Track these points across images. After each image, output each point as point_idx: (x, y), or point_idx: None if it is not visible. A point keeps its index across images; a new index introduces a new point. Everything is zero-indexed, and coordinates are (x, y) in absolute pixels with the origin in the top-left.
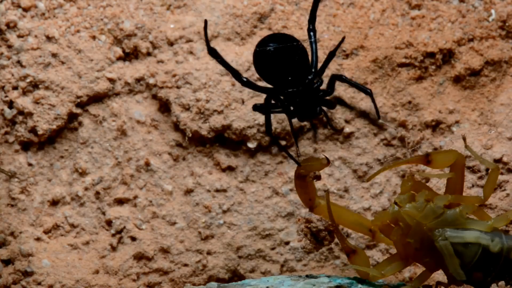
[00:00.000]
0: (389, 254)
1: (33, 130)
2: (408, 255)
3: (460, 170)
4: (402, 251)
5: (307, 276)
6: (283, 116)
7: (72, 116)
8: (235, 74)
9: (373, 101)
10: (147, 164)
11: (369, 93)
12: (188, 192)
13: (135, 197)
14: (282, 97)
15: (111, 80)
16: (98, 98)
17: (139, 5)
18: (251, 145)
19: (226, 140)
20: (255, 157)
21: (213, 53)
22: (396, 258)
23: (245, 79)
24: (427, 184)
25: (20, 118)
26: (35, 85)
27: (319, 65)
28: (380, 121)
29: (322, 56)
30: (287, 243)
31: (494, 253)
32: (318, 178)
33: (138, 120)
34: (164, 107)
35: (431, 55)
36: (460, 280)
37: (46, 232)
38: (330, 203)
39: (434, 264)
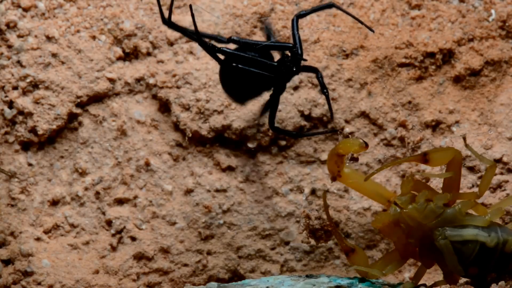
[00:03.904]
0: None
1: (33, 130)
2: (407, 254)
3: (457, 167)
4: (402, 250)
5: (307, 276)
6: (283, 116)
7: (72, 116)
8: (216, 39)
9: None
10: (147, 164)
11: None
12: (188, 192)
13: (135, 197)
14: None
15: (111, 80)
16: (98, 98)
17: (139, 5)
18: (251, 145)
19: (226, 140)
20: (255, 157)
21: (171, 25)
22: (395, 256)
23: (225, 39)
24: (427, 182)
25: (20, 118)
26: (35, 85)
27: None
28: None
29: (322, 55)
30: (287, 243)
31: (491, 247)
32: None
33: (138, 120)
34: (164, 107)
35: (431, 55)
36: (458, 275)
37: (46, 232)
38: (353, 172)
39: (432, 261)
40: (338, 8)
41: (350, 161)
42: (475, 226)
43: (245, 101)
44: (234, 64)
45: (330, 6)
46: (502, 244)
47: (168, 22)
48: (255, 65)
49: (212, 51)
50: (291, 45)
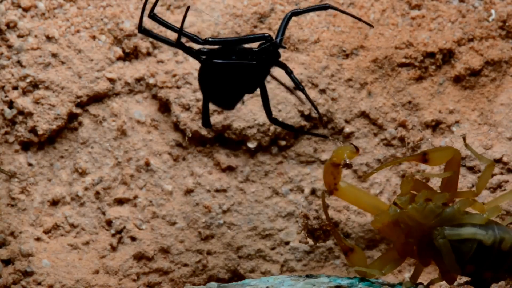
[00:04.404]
0: None
1: (33, 130)
2: (406, 253)
3: (456, 167)
4: (402, 250)
5: (307, 276)
6: (283, 116)
7: (72, 116)
8: (193, 39)
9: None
10: (147, 164)
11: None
12: (188, 192)
13: (135, 197)
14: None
15: (111, 80)
16: (98, 98)
17: (139, 5)
18: (251, 145)
19: (226, 140)
20: (255, 157)
21: (145, 32)
22: (393, 255)
23: (201, 40)
24: (427, 182)
25: (20, 118)
26: (35, 85)
27: None
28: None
29: (322, 55)
30: (287, 243)
31: (488, 245)
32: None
33: (138, 120)
34: (164, 107)
35: (431, 55)
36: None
37: (46, 232)
38: (349, 186)
39: (430, 259)
40: (334, 8)
41: (344, 167)
42: (473, 225)
43: (233, 105)
44: (214, 61)
45: (325, 7)
46: (498, 242)
47: (143, 30)
48: (235, 55)
49: (191, 53)
50: (267, 34)
